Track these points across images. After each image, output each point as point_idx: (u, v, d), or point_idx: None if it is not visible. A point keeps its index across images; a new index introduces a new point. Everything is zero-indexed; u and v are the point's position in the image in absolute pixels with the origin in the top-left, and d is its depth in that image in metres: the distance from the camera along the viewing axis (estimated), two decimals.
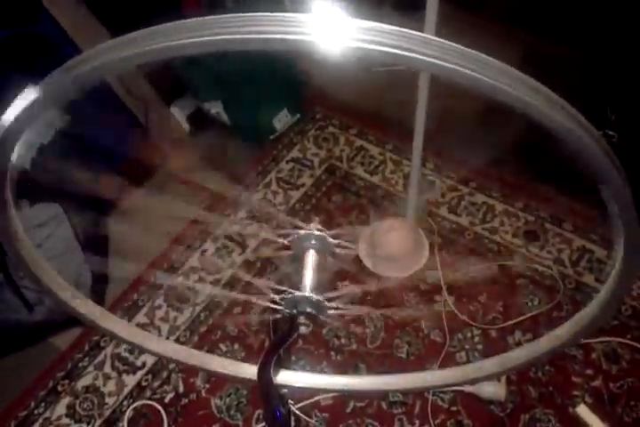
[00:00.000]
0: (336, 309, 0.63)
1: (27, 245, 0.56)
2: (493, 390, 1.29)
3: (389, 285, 1.45)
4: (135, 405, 1.36)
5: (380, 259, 1.50)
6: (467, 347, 1.39)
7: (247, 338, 1.44)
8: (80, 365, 1.43)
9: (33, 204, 1.37)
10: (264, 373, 0.61)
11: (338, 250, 0.64)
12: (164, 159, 1.74)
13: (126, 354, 1.44)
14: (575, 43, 1.55)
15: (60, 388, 1.40)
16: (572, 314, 0.58)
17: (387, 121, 1.77)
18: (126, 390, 1.39)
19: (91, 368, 1.42)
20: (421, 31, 0.33)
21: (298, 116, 1.83)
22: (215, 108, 1.76)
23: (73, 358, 1.44)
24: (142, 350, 0.74)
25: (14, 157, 0.43)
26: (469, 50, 0.34)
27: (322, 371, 1.38)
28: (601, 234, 1.52)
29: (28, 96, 0.39)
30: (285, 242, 0.64)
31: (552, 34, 1.63)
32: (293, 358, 1.37)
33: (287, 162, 1.76)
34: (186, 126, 1.83)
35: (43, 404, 1.38)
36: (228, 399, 1.35)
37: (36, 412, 1.37)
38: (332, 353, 1.40)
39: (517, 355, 0.67)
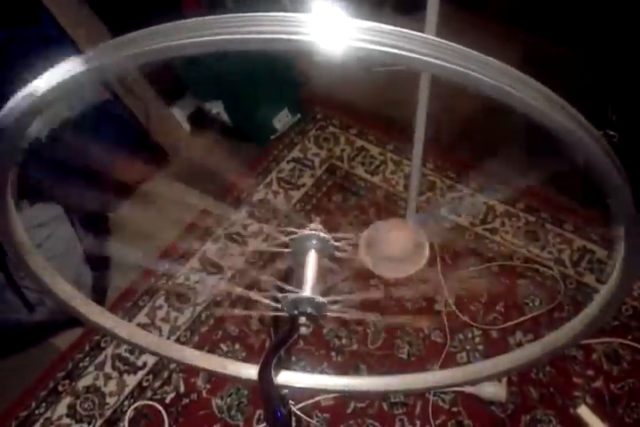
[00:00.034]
0: (336, 303, 0.63)
1: (27, 246, 0.56)
2: (494, 391, 1.29)
3: (395, 294, 1.45)
4: (136, 405, 1.36)
5: (380, 259, 1.50)
6: (467, 348, 1.39)
7: (248, 338, 1.44)
8: (81, 365, 1.43)
9: (33, 204, 1.37)
10: (265, 373, 0.61)
11: (338, 250, 0.64)
12: (163, 160, 1.74)
13: (127, 354, 1.44)
14: (575, 43, 1.55)
15: (60, 388, 1.40)
16: (573, 315, 0.58)
17: (387, 121, 1.77)
18: (127, 391, 1.39)
19: (91, 368, 1.42)
20: (422, 31, 0.33)
21: (298, 116, 1.82)
22: (216, 109, 1.76)
23: (74, 358, 1.44)
24: (143, 351, 0.74)
25: (34, 126, 0.41)
26: (470, 50, 0.34)
27: (322, 371, 1.37)
28: (602, 234, 1.51)
29: (69, 67, 0.36)
30: (286, 245, 0.64)
31: (552, 34, 1.63)
32: (294, 358, 1.37)
33: (288, 162, 1.76)
34: (186, 126, 1.83)
35: (43, 404, 1.38)
36: (228, 400, 1.35)
37: (36, 412, 1.37)
38: (333, 354, 1.40)
39: (518, 356, 0.67)
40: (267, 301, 0.64)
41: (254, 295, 0.67)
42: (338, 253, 0.65)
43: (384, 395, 1.30)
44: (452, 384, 0.73)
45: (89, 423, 1.35)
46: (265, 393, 0.61)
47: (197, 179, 1.67)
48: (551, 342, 0.63)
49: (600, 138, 0.37)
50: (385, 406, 1.33)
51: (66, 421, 1.36)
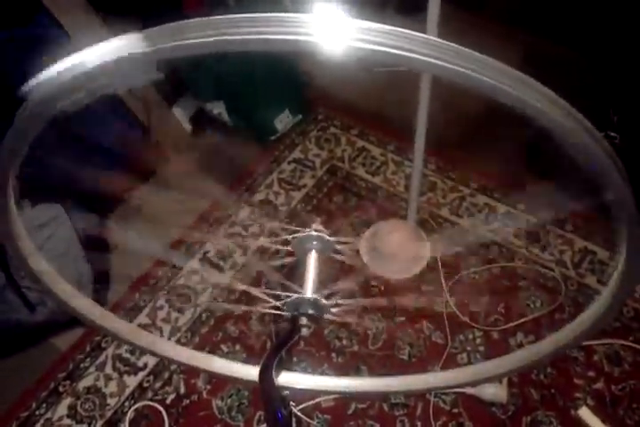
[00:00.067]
0: (337, 307, 0.63)
1: (28, 246, 0.56)
2: (495, 393, 1.29)
3: (401, 302, 1.44)
4: (136, 406, 1.36)
5: (381, 260, 1.50)
6: (468, 349, 1.39)
7: (248, 339, 1.43)
8: (81, 365, 1.43)
9: (34, 204, 1.37)
10: (266, 374, 0.60)
11: (339, 251, 0.64)
12: (164, 160, 1.74)
13: (128, 355, 1.44)
14: (575, 43, 1.55)
15: (61, 389, 1.40)
16: (574, 316, 0.58)
17: (388, 122, 1.77)
18: (128, 391, 1.39)
19: (92, 369, 1.42)
20: (423, 32, 0.33)
21: (299, 116, 1.83)
22: (217, 109, 1.76)
23: (74, 358, 1.44)
24: (143, 351, 0.74)
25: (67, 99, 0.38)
26: (470, 51, 0.34)
27: (323, 373, 1.37)
28: (603, 235, 1.51)
29: (128, 45, 0.34)
30: (287, 242, 0.64)
31: (552, 34, 1.63)
32: (295, 359, 1.37)
33: (289, 163, 1.76)
34: (188, 127, 1.83)
35: (44, 405, 1.38)
36: (229, 401, 1.35)
37: (37, 413, 1.37)
38: (334, 355, 1.40)
39: (519, 357, 0.67)
40: (268, 298, 0.64)
41: (256, 291, 0.67)
42: (338, 257, 0.65)
43: (385, 396, 1.30)
44: (453, 385, 0.73)
45: (89, 424, 1.35)
46: (266, 394, 0.60)
47: (197, 179, 1.67)
48: (552, 343, 0.62)
49: (602, 139, 0.37)
50: (386, 408, 1.33)
51: (66, 421, 1.36)
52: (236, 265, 1.56)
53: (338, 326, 1.43)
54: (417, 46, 0.33)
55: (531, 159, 1.61)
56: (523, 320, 1.40)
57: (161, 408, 1.35)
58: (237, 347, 1.42)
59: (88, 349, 1.45)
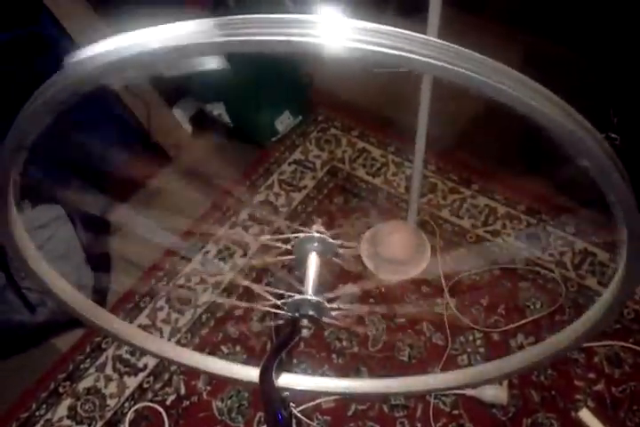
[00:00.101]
0: (337, 309, 0.63)
1: (28, 247, 0.56)
2: (495, 394, 1.28)
3: (401, 310, 1.44)
4: (136, 407, 1.36)
5: (381, 261, 1.50)
6: (469, 350, 1.38)
7: (249, 340, 1.43)
8: (81, 366, 1.43)
9: (35, 205, 1.37)
10: (266, 376, 0.60)
11: (340, 252, 0.64)
12: (164, 161, 1.74)
13: (128, 356, 1.44)
14: (575, 43, 1.54)
15: (61, 389, 1.40)
16: (575, 317, 0.58)
17: (389, 123, 1.77)
18: (128, 392, 1.39)
19: (92, 370, 1.42)
20: (424, 34, 0.33)
21: (300, 118, 1.83)
22: (217, 110, 1.76)
23: (74, 359, 1.43)
24: (144, 352, 0.74)
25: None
26: (471, 52, 0.34)
27: (323, 374, 1.37)
28: (603, 237, 1.51)
29: (194, 31, 0.33)
30: (287, 246, 0.64)
31: (552, 34, 1.63)
32: (295, 361, 1.37)
33: (289, 164, 1.76)
34: (188, 128, 1.83)
35: (44, 405, 1.38)
36: (229, 402, 1.35)
37: (37, 413, 1.37)
38: (334, 356, 1.40)
39: (519, 358, 0.67)
40: (269, 296, 0.64)
41: (257, 288, 0.67)
42: (339, 256, 0.65)
43: (385, 397, 1.30)
44: (453, 387, 0.73)
45: (89, 425, 1.35)
46: (266, 396, 0.60)
47: (198, 180, 1.67)
48: (552, 344, 0.62)
49: (602, 140, 0.37)
50: (386, 409, 1.32)
51: (66, 422, 1.36)
52: (236, 266, 1.56)
53: (338, 328, 1.43)
54: (417, 47, 0.33)
55: (531, 160, 1.61)
56: (523, 322, 1.40)
57: (161, 409, 1.35)
58: (237, 348, 1.42)
59: (88, 349, 1.45)
